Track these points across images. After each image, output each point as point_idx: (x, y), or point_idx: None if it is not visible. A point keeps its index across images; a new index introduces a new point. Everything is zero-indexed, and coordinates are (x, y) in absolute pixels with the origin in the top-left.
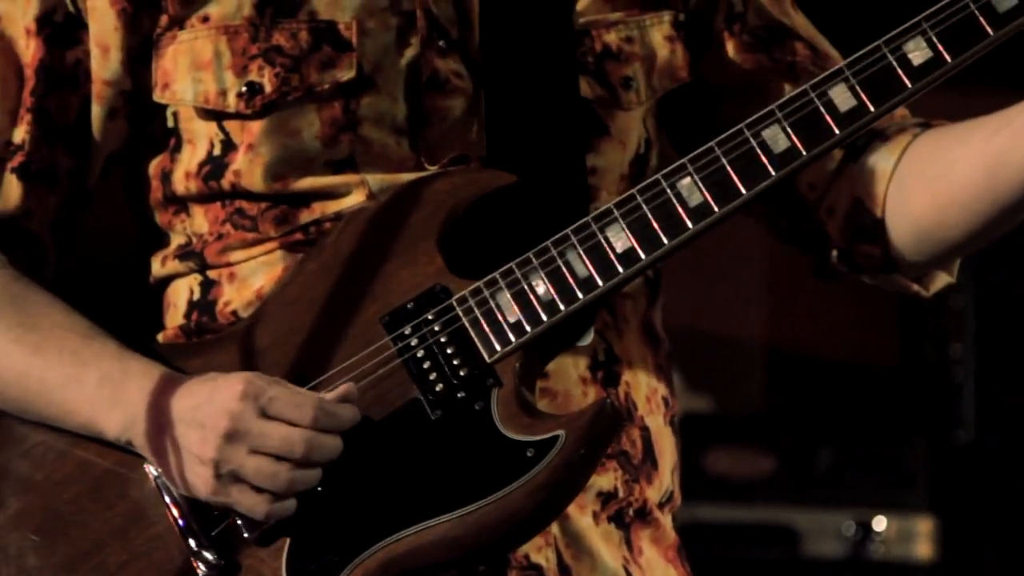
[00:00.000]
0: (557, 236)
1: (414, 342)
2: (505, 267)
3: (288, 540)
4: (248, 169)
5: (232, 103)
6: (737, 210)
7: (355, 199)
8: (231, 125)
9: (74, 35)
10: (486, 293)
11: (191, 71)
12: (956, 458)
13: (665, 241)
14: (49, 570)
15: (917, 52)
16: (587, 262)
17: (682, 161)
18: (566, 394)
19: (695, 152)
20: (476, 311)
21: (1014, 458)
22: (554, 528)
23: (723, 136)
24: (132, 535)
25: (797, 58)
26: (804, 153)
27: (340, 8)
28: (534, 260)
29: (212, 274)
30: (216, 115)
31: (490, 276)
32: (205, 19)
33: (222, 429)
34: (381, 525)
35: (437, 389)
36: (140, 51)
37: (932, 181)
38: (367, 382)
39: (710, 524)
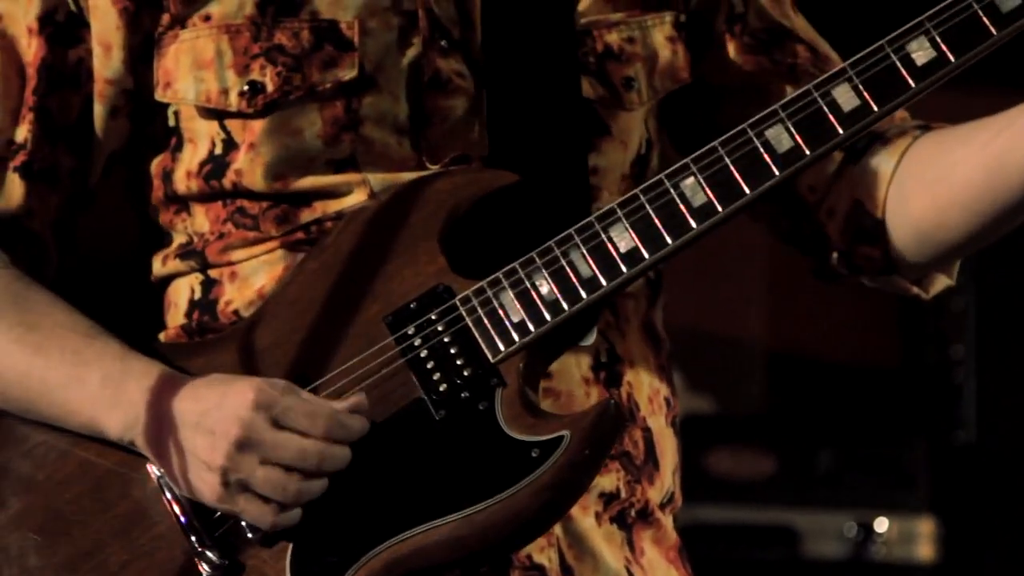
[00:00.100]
0: (560, 236)
1: (417, 342)
2: (508, 267)
3: (292, 541)
4: (249, 168)
5: (234, 102)
6: (741, 210)
7: (356, 198)
8: (233, 124)
9: (76, 34)
10: (489, 293)
11: (193, 70)
12: (957, 459)
13: (669, 241)
14: (51, 570)
15: (920, 52)
16: (591, 262)
17: (685, 161)
18: (569, 394)
19: (698, 152)
20: (479, 311)
21: (1015, 459)
22: (557, 529)
23: (726, 136)
24: (134, 535)
25: (798, 60)
26: (808, 153)
27: (342, 7)
28: (537, 260)
29: (213, 273)
30: (218, 114)
31: (493, 276)
32: (207, 18)
33: (233, 437)
34: (385, 525)
35: (441, 389)
36: (142, 50)
37: (932, 183)
38: (370, 382)
39: (711, 525)
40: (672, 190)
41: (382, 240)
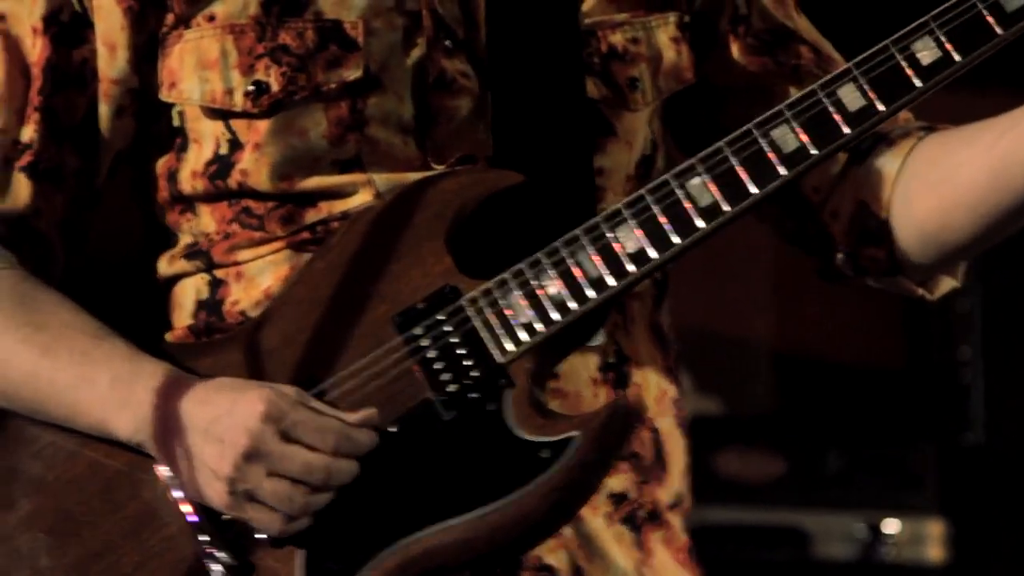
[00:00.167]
0: (567, 236)
1: (426, 342)
2: (515, 267)
3: (303, 541)
4: (255, 168)
5: (239, 102)
6: (748, 210)
7: (362, 198)
8: (238, 124)
9: (81, 34)
10: (497, 293)
11: (197, 70)
12: (966, 460)
13: (676, 241)
14: (61, 571)
15: (926, 51)
16: (598, 262)
17: (691, 161)
18: (577, 395)
19: (704, 152)
20: (487, 311)
21: None
22: (567, 529)
23: (732, 136)
24: (145, 536)
25: (801, 61)
26: (814, 153)
27: (346, 7)
28: (544, 260)
29: (219, 273)
30: (223, 114)
31: (500, 276)
32: (211, 18)
33: (241, 448)
34: (396, 526)
35: (449, 390)
36: (147, 50)
37: (937, 184)
38: (378, 383)
39: (720, 526)
40: (678, 190)
41: (388, 240)
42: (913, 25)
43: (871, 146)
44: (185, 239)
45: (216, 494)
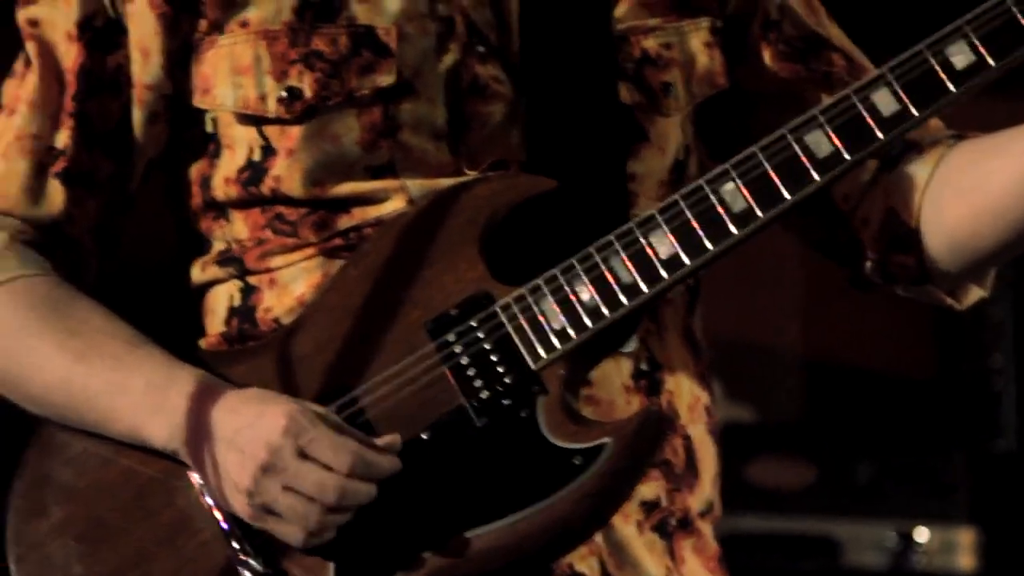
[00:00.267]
0: (600, 242)
1: (458, 349)
2: (548, 273)
3: (335, 548)
4: (288, 175)
5: (272, 108)
6: (781, 216)
7: (395, 205)
8: (271, 130)
9: (114, 40)
10: (530, 299)
11: (231, 76)
12: (997, 468)
13: (709, 247)
14: None
15: (960, 56)
16: (631, 268)
17: (725, 166)
18: (610, 403)
19: (738, 157)
20: (520, 318)
21: None
22: (598, 537)
23: (765, 141)
24: (179, 543)
25: (833, 68)
26: (848, 157)
27: (379, 13)
28: (578, 266)
29: (252, 280)
30: (256, 120)
31: (533, 282)
32: (244, 24)
33: (259, 460)
34: (429, 533)
35: (482, 396)
36: (180, 55)
37: (967, 191)
38: (411, 389)
39: (751, 534)
40: (712, 195)
41: (421, 246)
42: (947, 29)
43: (901, 153)
44: (218, 245)
45: (239, 504)
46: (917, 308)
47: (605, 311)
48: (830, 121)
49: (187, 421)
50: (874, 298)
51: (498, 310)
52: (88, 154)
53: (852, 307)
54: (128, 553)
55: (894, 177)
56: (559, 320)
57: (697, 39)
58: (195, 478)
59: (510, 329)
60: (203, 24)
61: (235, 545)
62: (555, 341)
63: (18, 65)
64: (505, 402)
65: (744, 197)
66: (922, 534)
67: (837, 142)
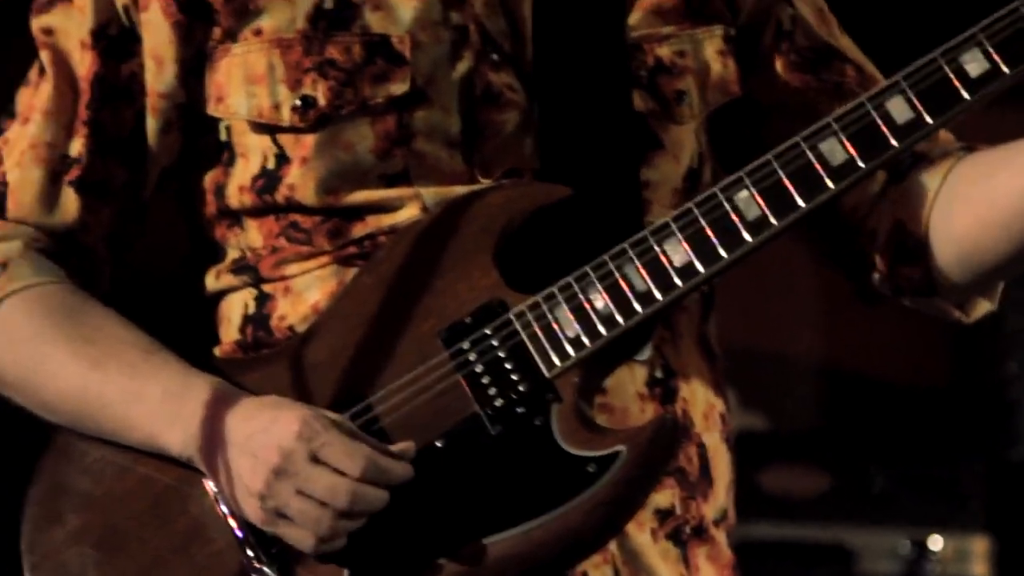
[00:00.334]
0: (614, 250)
1: (472, 357)
2: (563, 281)
3: (349, 556)
4: (302, 183)
5: (286, 117)
6: (795, 224)
7: (409, 213)
8: (285, 139)
9: (128, 48)
10: (544, 307)
11: (245, 84)
12: (1012, 477)
13: (724, 255)
14: None
15: (974, 63)
16: (645, 276)
17: (739, 174)
18: (624, 410)
19: (752, 165)
20: (534, 325)
21: None
22: (612, 545)
23: (780, 149)
24: (193, 551)
25: (844, 79)
26: (862, 165)
27: (393, 22)
28: (592, 274)
29: (267, 288)
30: (270, 129)
31: (548, 290)
32: (258, 32)
33: (271, 464)
34: (443, 541)
35: (496, 404)
36: (194, 64)
37: (975, 203)
38: (425, 398)
39: (764, 542)
40: (726, 203)
41: (435, 254)
42: (961, 37)
43: (911, 165)
44: (232, 254)
45: (251, 509)
46: (932, 316)
47: (619, 319)
48: (844, 129)
49: (202, 428)
50: (889, 306)
51: (512, 318)
52: (102, 162)
53: (867, 315)
54: (143, 561)
55: (903, 189)
56: (573, 328)
57: (711, 47)
58: (210, 486)
59: (524, 337)
60: (217, 32)
61: (249, 553)
62: (569, 349)
63: (32, 74)
64: (519, 410)
65: (758, 205)
66: (936, 542)
67: (851, 150)
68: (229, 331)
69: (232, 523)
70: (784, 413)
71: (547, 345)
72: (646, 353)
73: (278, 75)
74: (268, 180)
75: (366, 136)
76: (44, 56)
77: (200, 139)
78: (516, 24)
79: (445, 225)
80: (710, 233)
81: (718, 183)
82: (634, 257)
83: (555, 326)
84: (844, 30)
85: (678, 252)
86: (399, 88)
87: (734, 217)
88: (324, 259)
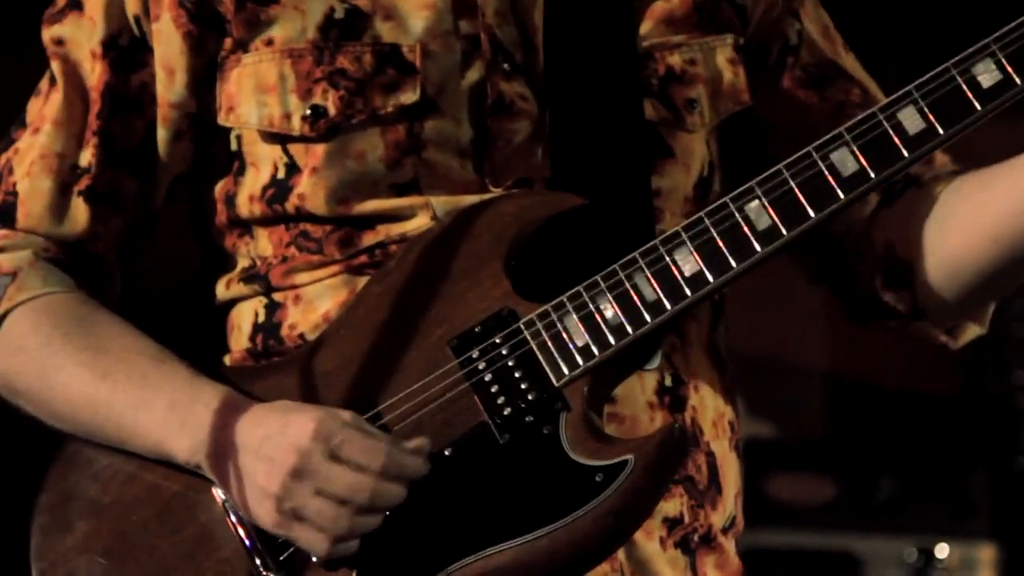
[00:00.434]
0: (625, 259)
1: (482, 366)
2: (572, 290)
3: (356, 564)
4: (312, 192)
5: (296, 126)
6: (805, 234)
7: (419, 222)
8: (295, 148)
9: (139, 58)
10: (554, 316)
11: (256, 94)
12: (1019, 485)
13: (733, 264)
14: None
15: (986, 74)
16: (655, 285)
17: (750, 184)
18: (633, 419)
19: (763, 175)
20: (544, 334)
21: None
22: (620, 554)
23: (791, 159)
24: (200, 559)
25: (847, 98)
26: (873, 176)
27: (404, 31)
28: (602, 283)
29: (277, 297)
30: (280, 138)
31: (558, 299)
32: (269, 42)
33: (289, 466)
34: (450, 549)
35: (505, 413)
36: (205, 74)
37: (964, 224)
38: (434, 406)
39: (772, 550)
40: (737, 213)
41: (446, 263)
42: (974, 48)
43: (903, 189)
44: (242, 262)
45: (265, 512)
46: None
47: (629, 328)
48: (856, 139)
49: (211, 435)
50: None
51: (522, 327)
52: (112, 172)
53: None
54: (151, 568)
55: (893, 212)
56: (583, 337)
57: (722, 55)
58: (218, 494)
59: (534, 346)
60: (228, 42)
61: (257, 560)
62: (578, 358)
63: (43, 83)
64: (528, 419)
65: (769, 215)
66: (943, 550)
67: (863, 160)
68: (239, 339)
69: (240, 531)
70: (791, 421)
71: (556, 354)
72: (655, 362)
73: (289, 85)
74: (278, 189)
75: (376, 145)
76: (55, 66)
77: (210, 149)
78: (527, 33)
79: (456, 234)
80: (720, 243)
81: (729, 193)
82: (644, 266)
83: (564, 335)
84: (850, 48)
85: (688, 262)
86: (409, 97)
87: (744, 227)
88: (334, 268)
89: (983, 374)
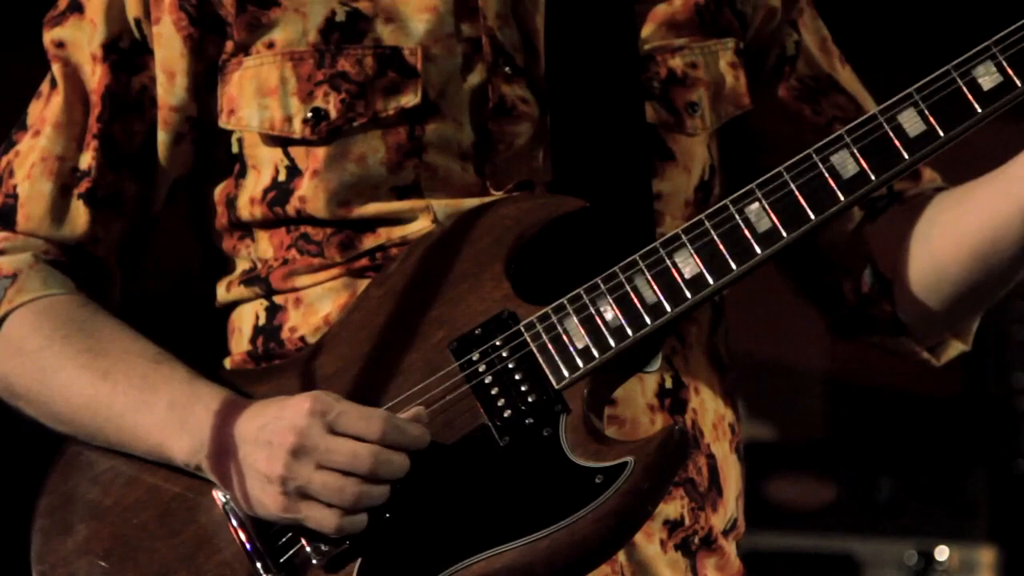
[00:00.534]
0: (625, 261)
1: (482, 368)
2: (573, 293)
3: (356, 566)
4: (313, 195)
5: (297, 129)
6: (806, 236)
7: (420, 225)
8: (296, 151)
9: (139, 61)
10: (554, 319)
11: (257, 97)
12: (1019, 487)
13: (733, 267)
14: None
15: (987, 77)
16: (655, 288)
17: (750, 186)
18: (634, 421)
19: (763, 177)
20: (544, 337)
21: None
22: (621, 556)
23: (791, 161)
24: (200, 561)
25: (839, 113)
26: (873, 178)
27: (405, 34)
28: (602, 285)
29: (278, 299)
30: (281, 141)
31: (558, 302)
32: (270, 45)
33: (289, 445)
34: (450, 551)
35: (505, 415)
36: (205, 77)
37: (945, 238)
38: (435, 408)
39: (772, 552)
40: (737, 215)
41: (447, 266)
42: (975, 50)
43: (886, 204)
44: (243, 265)
45: (270, 498)
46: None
47: (629, 331)
48: (856, 141)
49: (212, 436)
50: None
51: (522, 329)
52: (113, 175)
53: None
54: (152, 571)
55: (876, 227)
56: (583, 339)
57: (723, 59)
58: (218, 496)
59: (534, 348)
60: (229, 45)
61: (258, 563)
62: (578, 360)
63: (44, 86)
64: (528, 421)
65: (769, 217)
66: (943, 553)
67: (863, 163)
68: (240, 342)
69: (241, 534)
70: (791, 423)
71: (556, 356)
72: (656, 364)
73: (290, 88)
74: (279, 192)
75: (377, 148)
76: (55, 69)
77: (211, 152)
78: (529, 36)
79: (457, 237)
80: (720, 245)
81: (729, 196)
82: (644, 269)
83: (564, 337)
84: (851, 51)
85: (688, 264)
86: (410, 100)
87: (745, 229)
88: (335, 271)
89: (983, 376)
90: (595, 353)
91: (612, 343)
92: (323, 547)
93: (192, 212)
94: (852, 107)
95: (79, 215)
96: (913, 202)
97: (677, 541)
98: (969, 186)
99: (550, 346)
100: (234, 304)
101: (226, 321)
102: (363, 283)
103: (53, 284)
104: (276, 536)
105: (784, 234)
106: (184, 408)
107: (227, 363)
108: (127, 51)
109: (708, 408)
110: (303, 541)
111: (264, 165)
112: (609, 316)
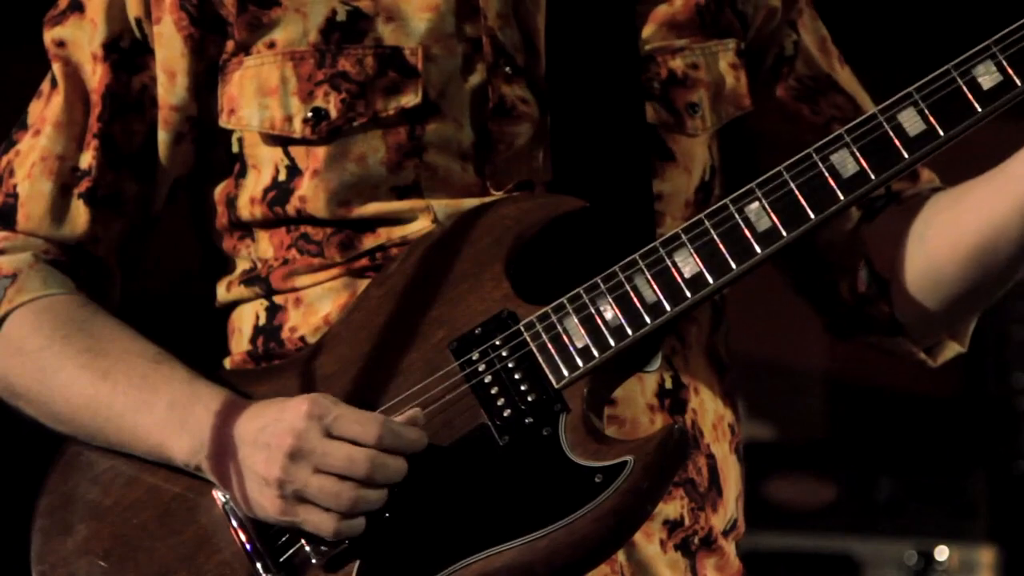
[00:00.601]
0: (625, 261)
1: (482, 368)
2: (572, 292)
3: (356, 566)
4: (313, 195)
5: (298, 129)
6: (806, 235)
7: (420, 224)
8: (296, 151)
9: (140, 61)
10: (554, 318)
11: (257, 97)
12: (1018, 487)
13: (733, 266)
14: None
15: (987, 76)
16: (655, 287)
17: (750, 186)
18: (633, 421)
19: (763, 176)
20: (544, 336)
21: None
22: (620, 556)
23: (791, 161)
24: (199, 561)
25: (837, 114)
26: (873, 177)
27: (406, 34)
28: (602, 285)
29: (278, 299)
30: (282, 141)
31: (558, 301)
32: (271, 45)
33: (286, 448)
34: (450, 551)
35: (505, 415)
36: (206, 77)
37: (942, 239)
38: (435, 408)
39: (771, 552)
40: (737, 215)
41: (447, 266)
42: (975, 49)
43: (884, 205)
44: (243, 265)
45: (268, 501)
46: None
47: (628, 330)
48: (856, 140)
49: (211, 436)
50: None
51: (522, 328)
52: (113, 175)
53: None
54: (152, 571)
55: (874, 227)
56: (582, 339)
57: (724, 60)
58: (218, 496)
59: (533, 348)
60: (230, 45)
61: (257, 563)
62: (578, 360)
63: (44, 86)
64: (528, 420)
65: (769, 216)
66: (942, 553)
67: (863, 162)
68: (240, 342)
69: (240, 534)
70: (792, 423)
71: (556, 356)
72: (656, 364)
73: (290, 87)
74: (279, 192)
75: (377, 148)
76: (56, 68)
77: (211, 151)
78: (530, 36)
79: (457, 237)
80: (720, 244)
81: (729, 195)
82: (644, 268)
83: (564, 337)
84: (851, 50)
85: (688, 263)
86: (411, 100)
87: (744, 229)
88: (335, 271)
89: (983, 376)
90: (595, 352)
91: (612, 342)
92: (323, 547)
93: (192, 212)
94: (850, 107)
95: (79, 215)
96: (910, 202)
97: (677, 541)
98: (967, 185)
99: (550, 346)
100: (234, 304)
101: (226, 321)
102: (363, 283)
103: (53, 284)
104: (276, 536)
105: (784, 233)
106: (184, 408)
107: (227, 363)
108: (128, 51)
109: (708, 408)
110: (303, 541)
111: (264, 165)
112: (609, 316)
